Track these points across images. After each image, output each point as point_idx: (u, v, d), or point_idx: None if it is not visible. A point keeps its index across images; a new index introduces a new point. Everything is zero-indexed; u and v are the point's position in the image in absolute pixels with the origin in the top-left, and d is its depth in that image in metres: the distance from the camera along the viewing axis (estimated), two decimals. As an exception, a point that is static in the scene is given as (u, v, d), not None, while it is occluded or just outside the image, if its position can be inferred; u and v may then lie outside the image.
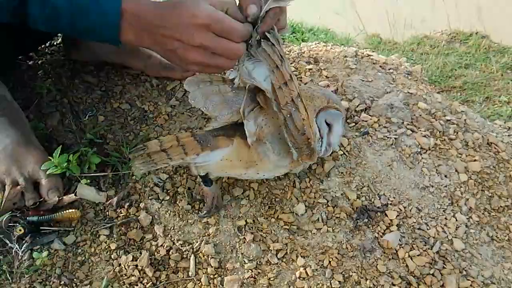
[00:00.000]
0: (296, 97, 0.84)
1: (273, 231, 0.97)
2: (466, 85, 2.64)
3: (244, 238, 0.95)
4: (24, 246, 0.87)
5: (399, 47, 3.10)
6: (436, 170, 1.12)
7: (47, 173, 0.96)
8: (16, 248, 0.80)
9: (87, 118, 1.16)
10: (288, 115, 0.83)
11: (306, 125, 0.85)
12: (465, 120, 1.24)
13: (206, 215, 0.97)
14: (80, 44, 1.24)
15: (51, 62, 1.31)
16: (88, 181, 1.00)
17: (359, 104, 1.21)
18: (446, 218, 1.03)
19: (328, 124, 0.94)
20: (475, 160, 1.14)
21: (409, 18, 3.17)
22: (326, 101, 0.94)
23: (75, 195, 0.98)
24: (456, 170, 1.13)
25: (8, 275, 0.83)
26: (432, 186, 1.09)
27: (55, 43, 1.38)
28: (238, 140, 0.90)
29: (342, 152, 1.11)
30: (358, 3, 3.24)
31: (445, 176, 1.11)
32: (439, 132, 1.18)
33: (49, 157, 0.97)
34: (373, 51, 2.95)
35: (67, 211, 0.94)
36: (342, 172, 1.08)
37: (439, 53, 2.98)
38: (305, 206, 1.01)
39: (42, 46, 1.37)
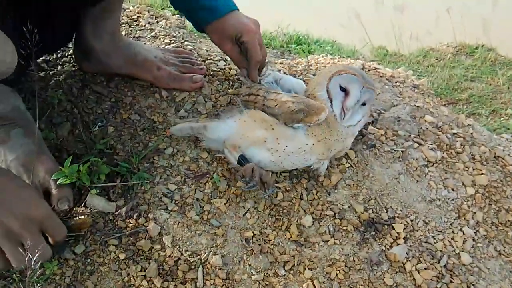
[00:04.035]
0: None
1: (280, 243, 0.98)
2: (472, 98, 2.65)
3: (252, 249, 0.95)
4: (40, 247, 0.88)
5: (405, 59, 3.12)
6: (443, 183, 1.12)
7: (58, 183, 0.97)
8: (29, 257, 0.81)
9: (97, 128, 1.17)
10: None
11: (279, 104, 1.01)
12: (471, 133, 1.25)
13: (253, 188, 0.99)
14: (90, 56, 1.26)
15: (62, 73, 1.32)
16: (98, 191, 1.01)
17: (366, 117, 1.22)
18: (453, 232, 1.04)
19: (344, 89, 1.02)
20: (482, 174, 1.14)
21: (415, 30, 3.18)
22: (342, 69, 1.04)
23: (85, 205, 0.99)
24: (463, 184, 1.13)
25: (20, 284, 0.84)
26: (439, 200, 1.09)
27: (66, 54, 1.40)
28: (247, 110, 1.06)
29: (349, 165, 1.12)
30: (363, 16, 3.26)
31: (452, 189, 1.12)
32: (446, 145, 1.19)
33: (60, 167, 0.98)
34: (379, 63, 2.97)
35: (79, 217, 0.94)
36: (349, 185, 1.09)
37: (445, 65, 2.99)
38: (313, 218, 1.02)
39: (54, 56, 1.39)
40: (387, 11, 3.39)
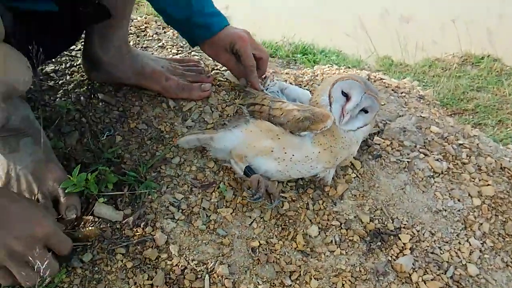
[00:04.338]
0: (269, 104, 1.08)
1: (286, 253, 0.98)
2: (478, 108, 2.64)
3: (258, 259, 0.96)
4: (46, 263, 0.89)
5: (411, 69, 3.13)
6: (449, 194, 1.12)
7: (66, 191, 0.98)
8: (38, 265, 0.81)
9: (105, 137, 1.18)
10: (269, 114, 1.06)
11: (285, 113, 1.02)
12: (477, 144, 1.25)
13: (259, 199, 1.00)
14: (99, 66, 1.28)
15: (70, 83, 1.34)
16: (106, 199, 1.02)
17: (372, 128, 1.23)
18: (459, 243, 1.03)
19: (346, 95, 1.04)
20: (488, 185, 1.14)
21: (420, 40, 3.19)
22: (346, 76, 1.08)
23: (93, 213, 1.00)
24: (469, 195, 1.13)
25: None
26: (445, 210, 1.09)
27: (75, 64, 1.42)
28: (253, 120, 1.08)
29: (355, 175, 1.12)
30: (368, 26, 3.28)
31: (458, 200, 1.12)
32: (452, 156, 1.19)
33: (68, 176, 1.00)
34: (385, 73, 2.98)
35: (86, 228, 0.95)
36: (355, 195, 1.09)
37: (450, 75, 2.99)
38: (319, 228, 1.02)
39: (63, 66, 1.41)
40: (393, 21, 3.40)
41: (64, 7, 1.01)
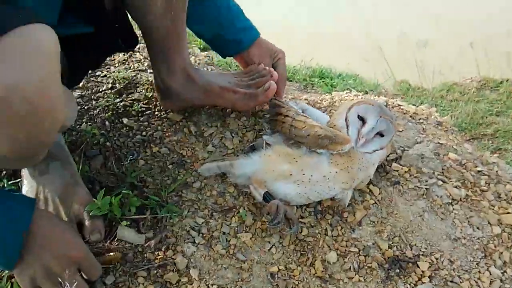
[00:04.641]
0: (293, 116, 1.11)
1: (305, 279, 0.99)
2: (498, 133, 2.62)
3: (277, 285, 0.97)
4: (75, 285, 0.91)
5: (429, 94, 3.13)
6: (468, 221, 1.12)
7: (91, 214, 1.01)
8: (67, 286, 0.84)
9: (128, 161, 1.22)
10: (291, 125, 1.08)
11: (307, 127, 1.05)
12: (496, 171, 1.25)
13: (278, 225, 1.01)
14: (170, 93, 1.29)
15: (96, 108, 1.39)
16: (128, 223, 1.05)
17: (390, 154, 1.24)
18: (479, 272, 1.03)
19: (362, 118, 1.06)
20: (508, 213, 1.14)
21: (438, 65, 3.20)
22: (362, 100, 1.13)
23: (116, 236, 1.03)
24: (488, 222, 1.13)
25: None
26: (464, 238, 1.09)
27: (100, 90, 1.47)
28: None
29: (373, 201, 1.13)
30: (385, 50, 3.30)
31: (478, 228, 1.11)
32: (471, 183, 1.19)
33: (93, 199, 1.03)
34: (402, 97, 2.98)
35: (110, 254, 0.98)
36: (373, 221, 1.10)
37: (469, 100, 2.99)
38: (337, 254, 1.03)
39: (89, 91, 1.46)
40: (410, 45, 3.43)
41: (98, 30, 1.05)
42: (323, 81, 2.54)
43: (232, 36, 1.31)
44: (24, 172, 1.09)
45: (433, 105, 2.86)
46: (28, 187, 1.07)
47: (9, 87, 0.59)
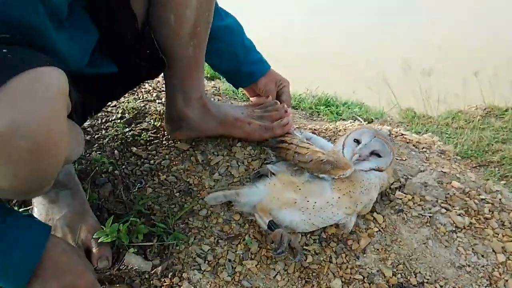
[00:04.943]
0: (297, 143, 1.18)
1: (310, 306, 1.00)
2: (504, 160, 2.63)
3: (282, 312, 0.97)
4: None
5: (434, 122, 3.15)
6: (473, 249, 1.13)
7: (99, 241, 1.04)
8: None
9: (136, 189, 1.25)
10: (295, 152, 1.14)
11: (310, 153, 1.11)
12: (500, 199, 1.26)
13: (282, 254, 1.03)
14: (183, 124, 1.32)
15: (105, 137, 1.43)
16: (136, 250, 1.07)
17: (393, 182, 1.26)
18: (484, 300, 1.03)
19: (357, 141, 1.15)
20: (512, 241, 1.14)
21: (442, 93, 3.23)
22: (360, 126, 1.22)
23: (123, 263, 1.05)
24: (493, 250, 1.13)
25: None
26: (469, 266, 1.10)
27: (110, 119, 1.51)
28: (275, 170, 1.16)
29: (377, 229, 1.14)
30: (390, 79, 3.35)
31: (482, 255, 1.12)
32: (474, 211, 1.20)
33: (102, 226, 1.05)
34: (408, 125, 3.00)
35: (116, 285, 1.00)
36: (377, 249, 1.11)
37: (474, 127, 3.00)
38: (342, 282, 1.04)
39: (99, 121, 1.50)
40: (414, 74, 3.47)
41: (123, 66, 1.09)
42: (328, 109, 2.57)
43: (246, 69, 1.39)
44: (35, 199, 1.12)
45: (439, 133, 2.89)
46: (38, 214, 1.10)
47: (12, 125, 0.61)
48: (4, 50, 0.65)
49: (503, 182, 2.37)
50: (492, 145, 2.82)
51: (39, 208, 1.10)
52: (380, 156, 1.12)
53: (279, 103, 1.40)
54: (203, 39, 1.20)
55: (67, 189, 1.10)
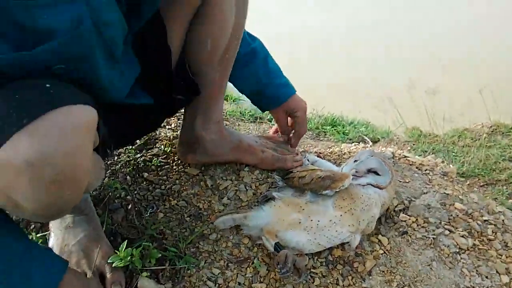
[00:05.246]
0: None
1: (317, 328, 1.02)
2: (512, 179, 2.63)
3: (290, 334, 1.00)
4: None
5: (440, 140, 3.17)
6: (476, 271, 1.15)
7: (113, 265, 1.08)
8: None
9: (148, 214, 1.29)
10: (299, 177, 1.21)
11: (310, 173, 1.18)
12: (503, 220, 1.28)
13: (286, 274, 1.06)
14: (197, 147, 1.36)
15: (118, 163, 1.48)
16: (148, 274, 1.11)
17: (397, 205, 1.29)
18: (488, 321, 1.05)
19: (356, 161, 1.25)
20: (515, 262, 1.17)
21: (448, 112, 3.26)
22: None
23: (137, 287, 1.09)
24: (497, 271, 1.15)
25: None
26: (473, 287, 1.12)
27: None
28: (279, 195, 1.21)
29: (382, 251, 1.17)
30: (396, 98, 3.39)
31: (486, 277, 1.14)
32: (477, 232, 1.23)
33: (115, 251, 1.10)
34: (414, 144, 3.03)
35: None
36: (383, 271, 1.14)
37: (480, 145, 3.01)
38: (348, 304, 1.07)
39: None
40: (419, 93, 3.51)
41: (159, 98, 1.15)
42: (335, 129, 2.60)
43: (272, 92, 1.43)
44: (52, 224, 1.17)
45: (445, 152, 2.91)
46: (54, 239, 1.14)
47: (42, 154, 0.66)
48: (47, 85, 0.71)
49: (511, 201, 2.37)
50: (499, 163, 2.83)
51: (56, 233, 1.15)
52: (378, 174, 1.19)
53: (287, 142, 1.50)
54: (230, 66, 1.27)
55: (83, 215, 1.15)
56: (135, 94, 1.06)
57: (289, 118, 1.49)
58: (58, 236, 1.14)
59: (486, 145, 3.06)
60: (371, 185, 1.16)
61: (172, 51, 1.11)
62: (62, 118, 0.68)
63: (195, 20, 1.15)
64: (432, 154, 2.71)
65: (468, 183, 2.57)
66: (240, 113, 2.19)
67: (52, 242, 1.14)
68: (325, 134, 2.54)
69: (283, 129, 1.51)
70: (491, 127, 3.38)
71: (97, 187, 1.01)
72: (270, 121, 2.30)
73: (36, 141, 0.66)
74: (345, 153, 1.53)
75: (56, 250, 1.11)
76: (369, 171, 1.19)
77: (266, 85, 1.42)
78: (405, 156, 1.52)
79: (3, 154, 0.65)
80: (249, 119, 2.22)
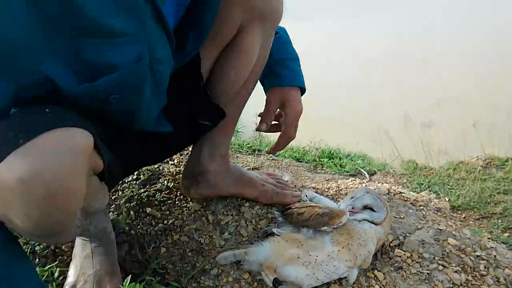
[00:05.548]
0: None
1: None
2: (507, 212, 2.66)
3: None
4: None
5: (435, 173, 3.22)
6: (470, 306, 1.19)
7: (118, 299, 1.11)
8: None
9: (151, 249, 1.33)
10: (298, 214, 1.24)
11: (308, 210, 1.22)
12: (495, 256, 1.33)
13: None
14: (201, 179, 1.40)
15: (122, 198, 1.52)
16: (151, 308, 1.14)
17: (393, 240, 1.33)
18: None
19: (352, 197, 1.30)
20: (507, 297, 1.20)
21: (443, 145, 3.33)
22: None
23: (140, 321, 1.12)
24: (490, 306, 1.19)
25: None
26: (467, 322, 1.15)
27: (126, 181, 1.62)
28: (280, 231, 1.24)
29: (378, 286, 1.21)
30: (392, 131, 3.47)
31: (479, 312, 1.18)
32: (470, 268, 1.27)
33: (120, 286, 1.13)
34: (410, 177, 3.07)
35: None
36: (379, 306, 1.17)
37: (475, 178, 3.06)
38: (345, 338, 1.10)
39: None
40: (415, 127, 3.59)
41: (179, 125, 1.21)
42: (332, 162, 2.64)
43: (278, 69, 1.36)
44: (75, 252, 1.19)
45: (441, 184, 2.95)
46: (74, 266, 1.17)
47: (33, 172, 0.70)
48: (47, 110, 0.77)
49: (506, 234, 2.40)
50: (494, 196, 2.87)
51: (76, 260, 1.18)
52: (374, 211, 1.24)
53: (288, 181, 1.55)
54: (245, 101, 1.33)
55: (101, 245, 1.18)
56: (157, 122, 1.12)
57: (279, 111, 1.42)
58: (77, 264, 1.18)
59: (481, 178, 3.11)
60: (367, 220, 1.22)
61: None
62: (56, 139, 0.73)
63: (222, 52, 1.22)
64: (428, 187, 2.76)
65: (463, 216, 2.61)
66: (239, 145, 2.25)
67: (72, 268, 1.18)
68: (322, 167, 2.59)
69: (267, 114, 1.39)
70: (485, 160, 3.44)
71: (102, 208, 1.04)
72: (268, 154, 2.36)
73: (29, 159, 0.70)
74: (342, 188, 1.58)
75: (74, 276, 1.15)
76: (365, 207, 1.25)
77: (276, 61, 1.36)
78: (400, 192, 1.57)
79: None
80: (247, 151, 2.28)
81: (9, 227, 0.83)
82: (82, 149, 0.77)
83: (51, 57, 0.77)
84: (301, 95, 1.40)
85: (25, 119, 0.75)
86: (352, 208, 1.24)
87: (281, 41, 1.37)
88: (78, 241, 1.19)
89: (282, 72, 1.36)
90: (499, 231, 2.40)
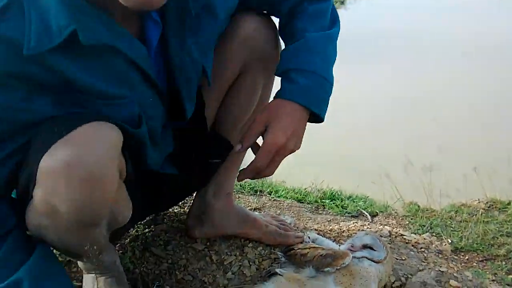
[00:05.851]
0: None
1: None
2: (511, 254, 2.65)
3: None
4: None
5: (437, 215, 3.21)
6: None
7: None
8: None
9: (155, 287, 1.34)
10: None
11: (312, 251, 1.24)
12: (497, 298, 1.33)
13: None
14: (205, 219, 1.43)
15: (127, 237, 1.55)
16: None
17: (394, 281, 1.35)
18: None
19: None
20: None
21: (444, 188, 3.34)
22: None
23: None
24: None
25: None
26: None
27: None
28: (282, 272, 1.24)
29: (381, 328, 1.22)
30: (393, 174, 3.48)
31: None
32: (472, 310, 1.28)
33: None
34: (412, 219, 3.08)
35: None
36: None
37: (478, 221, 3.05)
38: None
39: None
40: (416, 170, 3.61)
41: (189, 169, 1.27)
42: (334, 203, 2.64)
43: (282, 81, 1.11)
44: (85, 284, 1.22)
45: (443, 226, 2.95)
46: None
47: (77, 157, 0.81)
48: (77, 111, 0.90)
49: (511, 276, 2.39)
50: (497, 238, 2.86)
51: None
52: (373, 250, 1.26)
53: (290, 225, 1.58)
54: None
55: (111, 277, 1.20)
56: (164, 165, 1.18)
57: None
58: None
59: (483, 220, 3.10)
60: (366, 258, 1.24)
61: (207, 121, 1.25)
62: (92, 130, 0.84)
63: (227, 91, 1.28)
64: (430, 228, 2.76)
65: (467, 257, 2.59)
66: (240, 185, 2.28)
67: None
68: (324, 208, 2.59)
69: (247, 131, 1.12)
70: (487, 203, 3.44)
71: (125, 222, 1.08)
72: (270, 194, 2.38)
73: (71, 146, 0.81)
74: (344, 230, 1.61)
75: None
76: (365, 246, 1.27)
77: (279, 73, 1.12)
78: (401, 235, 1.59)
79: (44, 164, 0.80)
80: (249, 191, 2.30)
81: (46, 229, 0.91)
82: (114, 142, 0.87)
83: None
84: (316, 121, 1.14)
85: (66, 118, 0.87)
86: (352, 246, 1.26)
87: (301, 46, 1.08)
88: (87, 277, 1.21)
89: (282, 83, 1.10)
90: (504, 273, 2.38)
